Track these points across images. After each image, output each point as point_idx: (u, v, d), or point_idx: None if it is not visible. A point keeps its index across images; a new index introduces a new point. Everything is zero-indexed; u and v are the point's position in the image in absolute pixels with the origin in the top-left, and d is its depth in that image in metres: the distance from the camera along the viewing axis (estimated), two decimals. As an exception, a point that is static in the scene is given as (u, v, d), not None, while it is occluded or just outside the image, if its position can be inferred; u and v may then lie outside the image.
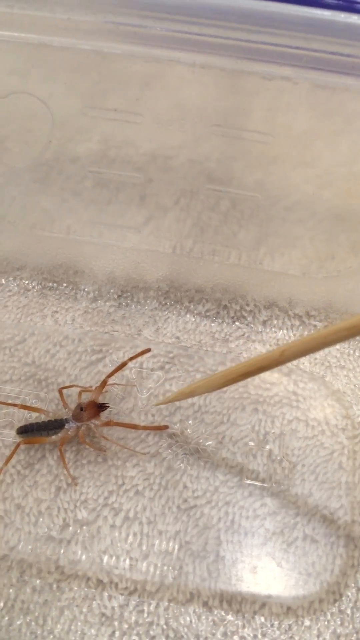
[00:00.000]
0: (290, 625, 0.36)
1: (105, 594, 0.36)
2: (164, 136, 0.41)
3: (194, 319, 0.46)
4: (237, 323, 0.46)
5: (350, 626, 0.36)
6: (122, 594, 0.36)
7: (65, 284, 0.47)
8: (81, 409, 0.39)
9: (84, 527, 0.38)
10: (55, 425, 0.39)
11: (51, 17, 0.34)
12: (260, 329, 0.46)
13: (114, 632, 0.35)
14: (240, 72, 0.35)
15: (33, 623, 0.35)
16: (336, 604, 0.36)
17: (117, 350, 0.44)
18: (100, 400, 0.40)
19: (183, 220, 0.45)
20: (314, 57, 0.33)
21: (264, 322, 0.46)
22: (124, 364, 0.41)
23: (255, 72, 0.35)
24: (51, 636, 0.35)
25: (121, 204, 0.45)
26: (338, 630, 0.36)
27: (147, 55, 0.34)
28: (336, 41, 0.33)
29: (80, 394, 0.41)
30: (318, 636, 0.35)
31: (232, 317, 0.47)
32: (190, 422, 0.42)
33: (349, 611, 0.36)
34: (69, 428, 0.39)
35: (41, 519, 0.38)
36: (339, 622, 0.36)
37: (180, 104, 0.38)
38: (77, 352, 0.44)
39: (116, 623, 0.35)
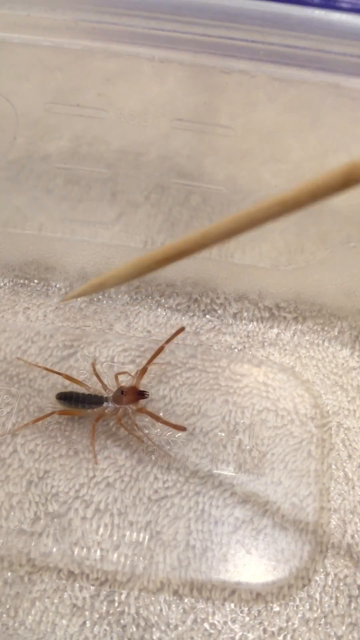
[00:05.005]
0: (259, 611, 0.36)
1: (77, 585, 0.37)
2: (132, 132, 0.41)
3: (165, 313, 0.47)
4: (207, 316, 0.47)
5: (319, 610, 0.36)
6: (93, 585, 0.37)
7: (36, 281, 0.48)
8: (122, 393, 0.40)
9: (55, 520, 0.38)
10: (94, 400, 0.40)
11: (11, 14, 0.35)
12: (230, 322, 0.47)
13: (84, 622, 0.36)
14: (200, 66, 0.35)
15: (4, 615, 0.36)
16: (305, 589, 0.37)
17: (88, 345, 0.45)
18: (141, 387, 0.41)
19: (154, 215, 0.45)
20: (270, 50, 0.34)
21: (235, 315, 0.47)
22: (161, 348, 0.41)
23: (213, 66, 0.35)
24: (22, 627, 0.35)
25: (92, 201, 0.45)
26: (307, 615, 0.36)
27: (106, 51, 0.35)
28: (291, 34, 0.33)
29: (116, 376, 0.42)
30: (287, 621, 0.36)
31: (203, 311, 0.47)
32: (161, 414, 0.42)
33: (317, 596, 0.37)
34: (106, 407, 0.40)
35: (12, 513, 0.38)
36: (307, 607, 0.36)
37: (141, 99, 0.38)
38: (48, 348, 0.44)
39: (87, 613, 0.36)
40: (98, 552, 0.37)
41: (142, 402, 0.41)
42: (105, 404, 0.40)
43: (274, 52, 0.34)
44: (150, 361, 0.41)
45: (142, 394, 0.40)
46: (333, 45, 0.33)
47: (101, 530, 0.38)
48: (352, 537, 0.38)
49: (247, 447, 0.41)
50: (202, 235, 0.24)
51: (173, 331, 0.46)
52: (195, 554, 0.37)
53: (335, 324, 0.47)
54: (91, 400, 0.40)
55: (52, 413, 0.40)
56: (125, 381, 0.42)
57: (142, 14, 0.33)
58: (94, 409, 0.40)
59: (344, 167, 0.21)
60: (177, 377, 0.44)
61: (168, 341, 0.42)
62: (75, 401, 0.40)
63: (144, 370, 0.41)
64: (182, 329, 0.42)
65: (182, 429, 0.40)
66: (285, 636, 0.35)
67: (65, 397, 0.40)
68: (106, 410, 0.40)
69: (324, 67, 0.34)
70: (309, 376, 0.44)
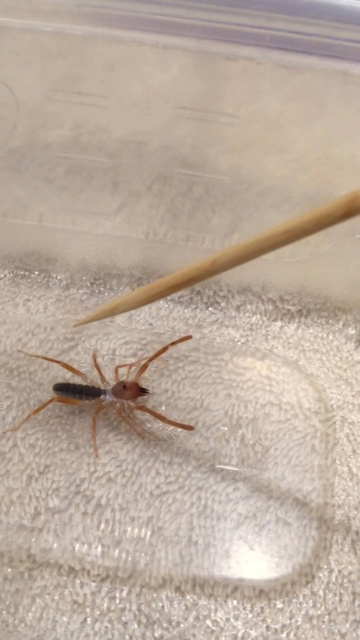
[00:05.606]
0: (262, 608, 0.36)
1: (77, 581, 0.36)
2: (135, 120, 0.40)
3: (167, 305, 0.46)
4: (210, 309, 0.46)
5: (322, 607, 0.36)
6: (94, 581, 0.36)
7: (37, 272, 0.47)
8: (124, 387, 0.39)
9: (56, 515, 0.38)
10: (91, 392, 0.40)
11: (11, -2, 0.34)
12: (234, 314, 0.46)
13: (85, 619, 0.35)
14: (204, 53, 0.35)
15: (4, 612, 0.35)
16: (308, 586, 0.36)
17: (89, 337, 0.44)
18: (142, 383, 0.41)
19: (156, 206, 0.44)
20: (276, 36, 0.33)
21: (238, 307, 0.46)
22: (165, 349, 0.41)
23: (218, 52, 0.34)
24: (22, 624, 0.35)
25: (94, 191, 0.44)
26: (310, 612, 0.36)
27: (108, 37, 0.34)
28: (298, 20, 0.32)
29: (116, 369, 0.42)
30: (290, 618, 0.35)
31: (206, 303, 0.46)
32: (163, 408, 0.41)
33: (321, 593, 0.36)
34: (104, 400, 0.40)
35: (12, 508, 0.38)
36: (311, 604, 0.36)
37: (144, 86, 0.37)
38: (49, 340, 0.44)
39: (88, 610, 0.35)
40: (99, 548, 0.37)
41: (143, 398, 0.40)
42: (102, 397, 0.40)
43: (280, 38, 0.33)
44: (152, 359, 0.41)
45: (143, 391, 0.40)
46: (341, 32, 0.32)
47: (102, 525, 0.38)
48: (357, 533, 0.38)
49: (250, 442, 0.40)
50: (212, 263, 0.26)
51: (175, 324, 0.45)
52: (197, 550, 0.37)
53: (339, 317, 0.46)
54: (88, 392, 0.40)
55: (52, 400, 0.40)
56: (124, 374, 0.42)
57: (145, -2, 0.33)
58: (91, 401, 0.40)
59: (347, 198, 0.22)
60: (179, 370, 0.43)
61: (173, 344, 0.41)
62: (72, 392, 0.40)
63: (144, 367, 0.40)
64: (189, 337, 0.42)
65: (189, 428, 0.39)
66: (288, 633, 0.35)
67: (62, 388, 0.40)
68: (103, 403, 0.40)
69: (332, 54, 0.33)
70: (313, 370, 0.43)
